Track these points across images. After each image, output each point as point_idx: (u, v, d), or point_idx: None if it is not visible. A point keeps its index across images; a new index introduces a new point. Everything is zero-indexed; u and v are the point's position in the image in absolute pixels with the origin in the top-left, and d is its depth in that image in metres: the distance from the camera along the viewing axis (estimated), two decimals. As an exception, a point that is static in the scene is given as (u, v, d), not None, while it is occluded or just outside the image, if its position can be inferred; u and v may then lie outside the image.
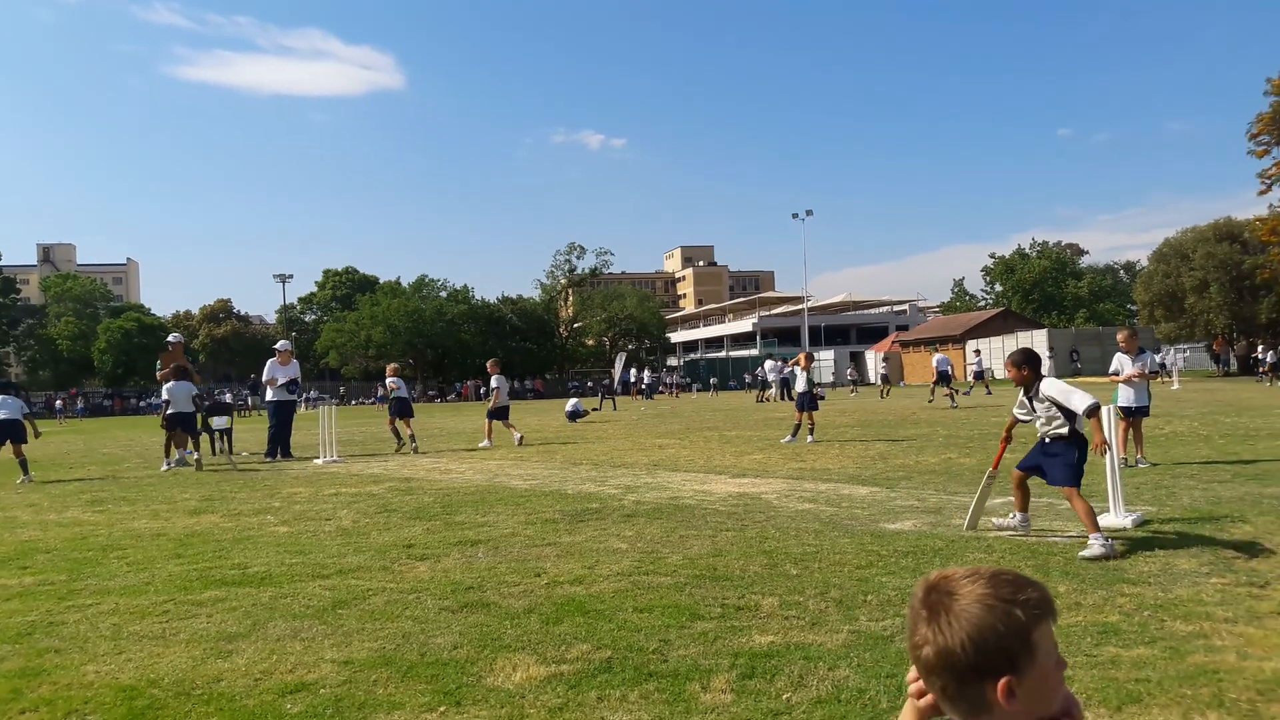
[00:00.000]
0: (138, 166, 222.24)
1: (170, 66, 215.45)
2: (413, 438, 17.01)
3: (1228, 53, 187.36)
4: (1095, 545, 5.80)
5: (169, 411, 14.58)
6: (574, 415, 26.21)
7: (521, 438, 17.79)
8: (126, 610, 5.23)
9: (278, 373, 16.19)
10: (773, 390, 39.42)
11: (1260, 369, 39.77)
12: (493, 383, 18.24)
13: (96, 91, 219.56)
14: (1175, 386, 33.94)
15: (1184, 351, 55.02)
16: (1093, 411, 6.20)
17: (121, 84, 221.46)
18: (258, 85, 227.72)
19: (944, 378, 28.32)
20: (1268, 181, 48.15)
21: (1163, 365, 37.66)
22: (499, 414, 18.13)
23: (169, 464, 14.67)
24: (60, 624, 4.99)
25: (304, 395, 66.57)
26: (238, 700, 3.73)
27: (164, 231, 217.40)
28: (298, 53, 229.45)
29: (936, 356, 29.77)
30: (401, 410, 17.51)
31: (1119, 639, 4.15)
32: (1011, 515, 6.89)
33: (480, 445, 17.50)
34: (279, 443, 16.18)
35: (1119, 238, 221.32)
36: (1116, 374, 11.17)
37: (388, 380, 17.81)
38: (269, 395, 16.48)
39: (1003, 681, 1.41)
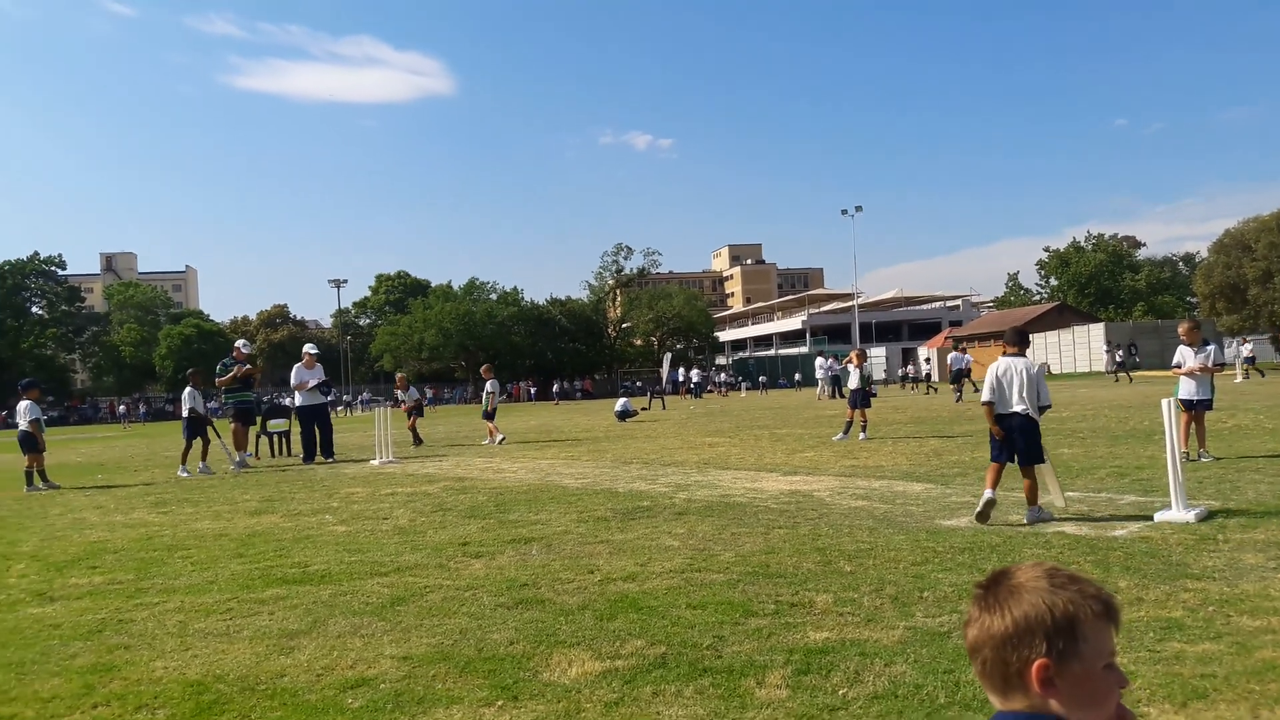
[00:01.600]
0: (195, 175, 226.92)
1: (224, 75, 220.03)
2: (495, 435, 18.86)
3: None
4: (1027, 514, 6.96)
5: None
6: (624, 415, 26.29)
7: (503, 439, 18.89)
8: (192, 608, 5.37)
9: (305, 376, 16.26)
10: (822, 389, 39.15)
11: None
12: (488, 387, 19.72)
13: (153, 102, 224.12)
14: (1239, 380, 33.05)
15: (1246, 344, 53.52)
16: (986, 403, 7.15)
17: (176, 94, 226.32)
18: (309, 92, 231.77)
19: (958, 375, 29.45)
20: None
21: (1251, 359, 36.83)
22: (492, 415, 19.49)
23: (234, 464, 15.03)
24: (129, 621, 5.14)
25: (357, 399, 67.71)
26: (300, 695, 3.81)
27: (221, 239, 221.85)
28: (349, 60, 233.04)
29: (952, 354, 30.52)
30: (490, 414, 19.32)
31: (1183, 634, 4.07)
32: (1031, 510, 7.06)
33: (484, 443, 18.72)
34: (312, 446, 16.20)
35: (1176, 228, 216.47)
36: (1179, 366, 10.94)
37: (488, 382, 19.73)
38: (298, 400, 16.56)
39: (1038, 663, 1.41)
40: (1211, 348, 11.01)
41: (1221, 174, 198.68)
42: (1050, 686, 1.45)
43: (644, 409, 33.15)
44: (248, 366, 16.31)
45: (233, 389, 16.20)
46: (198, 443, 14.56)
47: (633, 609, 4.90)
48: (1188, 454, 9.85)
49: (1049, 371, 39.51)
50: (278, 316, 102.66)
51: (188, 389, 14.95)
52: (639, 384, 74.52)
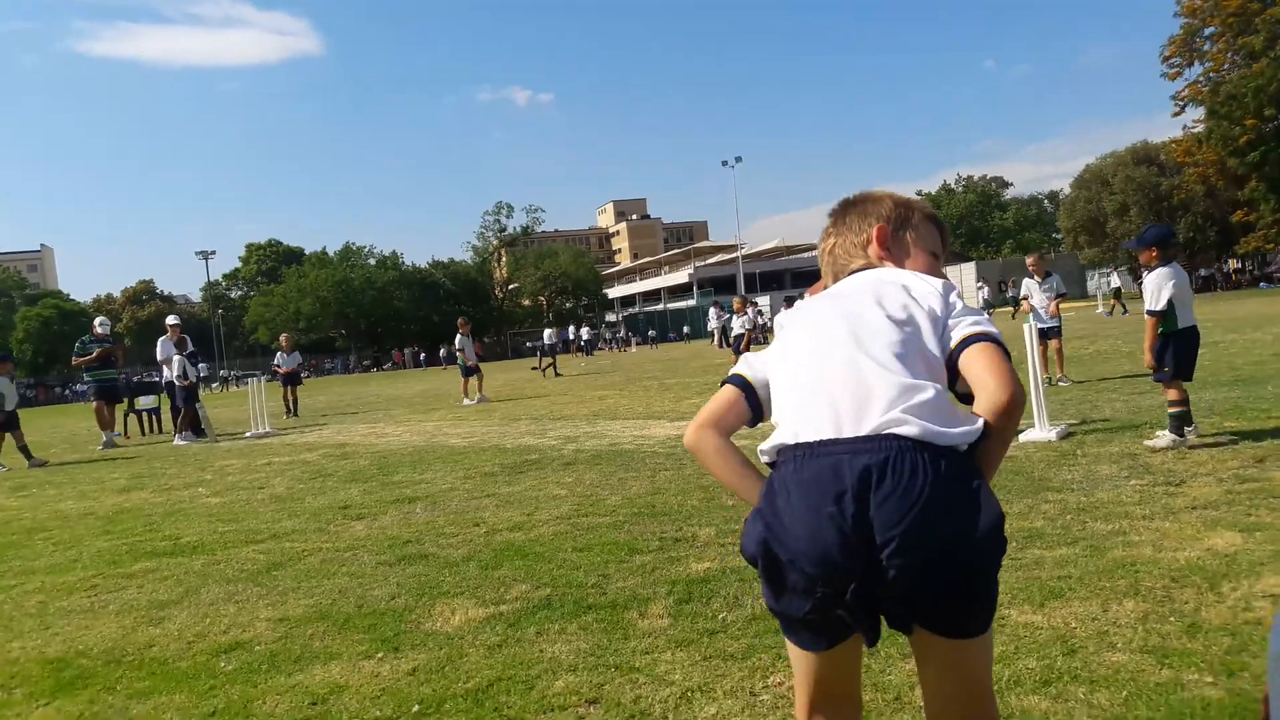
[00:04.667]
0: (44, 149, 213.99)
1: (69, 41, 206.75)
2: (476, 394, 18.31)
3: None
4: None
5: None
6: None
7: (481, 398, 18.29)
8: (53, 588, 5.10)
9: (172, 350, 15.51)
10: (716, 338, 39.64)
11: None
12: (456, 343, 19.16)
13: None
14: (1099, 311, 34.84)
15: (1107, 275, 56.47)
16: None
17: (17, 63, 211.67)
18: (166, 57, 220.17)
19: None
20: (1180, 103, 49.54)
21: (1117, 290, 38.52)
22: (470, 372, 18.67)
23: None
24: (-18, 606, 4.84)
25: (233, 374, 65.24)
26: (170, 663, 3.66)
27: (78, 215, 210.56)
28: (207, 20, 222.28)
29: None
30: (469, 371, 18.54)
31: (1043, 541, 4.28)
32: None
33: (465, 403, 17.99)
34: (189, 422, 15.45)
35: (1044, 168, 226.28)
36: (1026, 298, 11.54)
37: (457, 339, 19.10)
38: (167, 375, 15.73)
39: (878, 226, 1.89)
40: (1055, 278, 11.62)
41: (1086, 112, 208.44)
42: (885, 250, 1.86)
43: (534, 369, 32.96)
44: (109, 345, 15.51)
45: (93, 368, 15.39)
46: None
47: (518, 556, 4.88)
48: (1049, 378, 10.38)
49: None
50: (144, 293, 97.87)
51: None
52: (528, 344, 73.97)
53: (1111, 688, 2.72)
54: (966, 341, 1.64)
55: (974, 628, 1.56)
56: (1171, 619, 3.21)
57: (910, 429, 1.49)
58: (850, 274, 1.87)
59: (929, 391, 1.55)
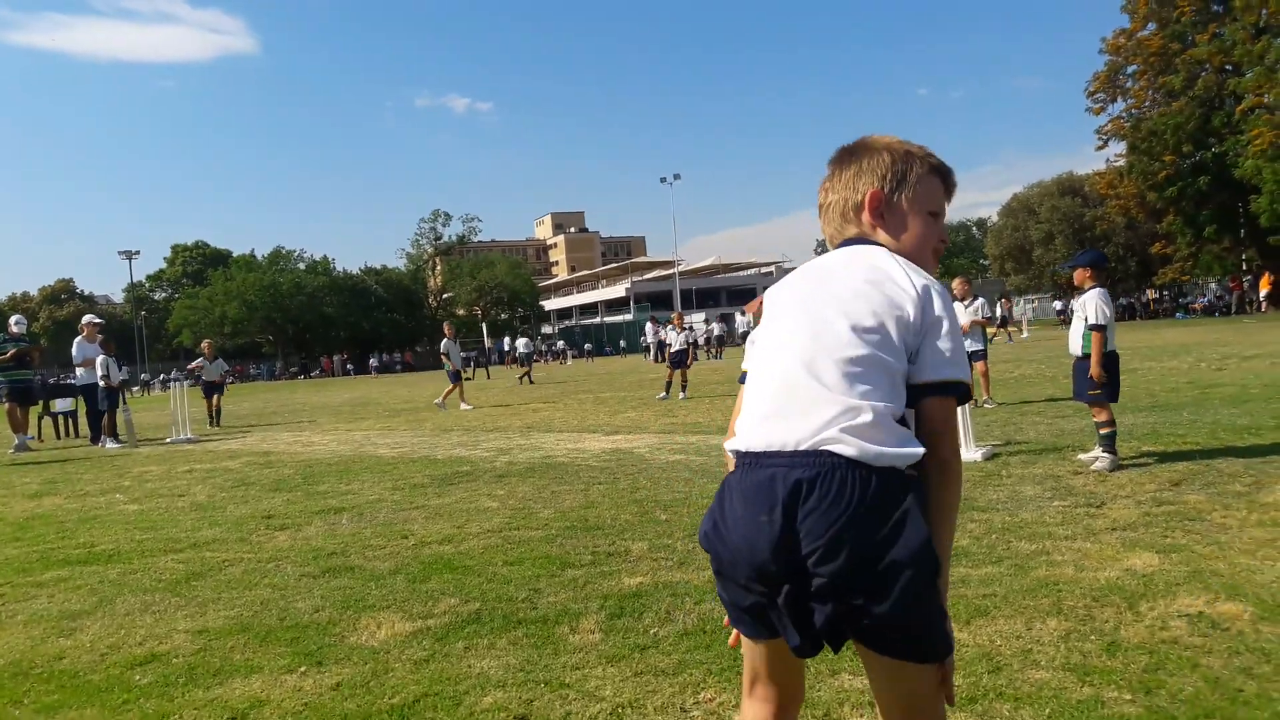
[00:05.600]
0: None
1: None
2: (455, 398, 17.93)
3: (1070, 13, 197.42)
4: None
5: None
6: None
7: (463, 405, 17.83)
8: (-45, 597, 4.86)
9: (89, 351, 14.97)
10: (650, 352, 39.80)
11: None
12: (442, 347, 18.81)
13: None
14: (1025, 335, 35.83)
15: (1033, 302, 58.21)
16: None
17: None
18: (95, 50, 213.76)
19: (745, 337, 30.55)
20: (1104, 137, 51.24)
21: (1003, 318, 39.56)
22: (457, 377, 18.26)
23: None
24: (-123, 616, 4.59)
25: (159, 377, 63.35)
26: (81, 676, 3.51)
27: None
28: (138, 15, 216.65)
29: (740, 318, 31.76)
30: (456, 376, 18.13)
31: (969, 560, 4.35)
32: None
33: (464, 408, 17.51)
34: (100, 425, 14.85)
35: (972, 195, 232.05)
36: None
37: (443, 343, 18.69)
38: (83, 376, 15.13)
39: (871, 191, 1.79)
40: (980, 301, 11.93)
41: (1015, 141, 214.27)
42: (880, 218, 1.78)
43: (468, 378, 32.66)
44: (25, 344, 14.92)
45: (7, 367, 14.79)
46: None
47: (447, 570, 4.80)
48: (975, 400, 10.61)
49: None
50: (63, 292, 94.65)
51: None
52: (464, 355, 73.16)
53: (1035, 704, 2.76)
54: (930, 389, 1.65)
55: (913, 651, 1.58)
56: (1092, 637, 3.28)
57: (845, 448, 1.55)
58: (841, 245, 1.83)
59: (867, 414, 1.57)
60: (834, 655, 2.39)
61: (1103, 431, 6.56)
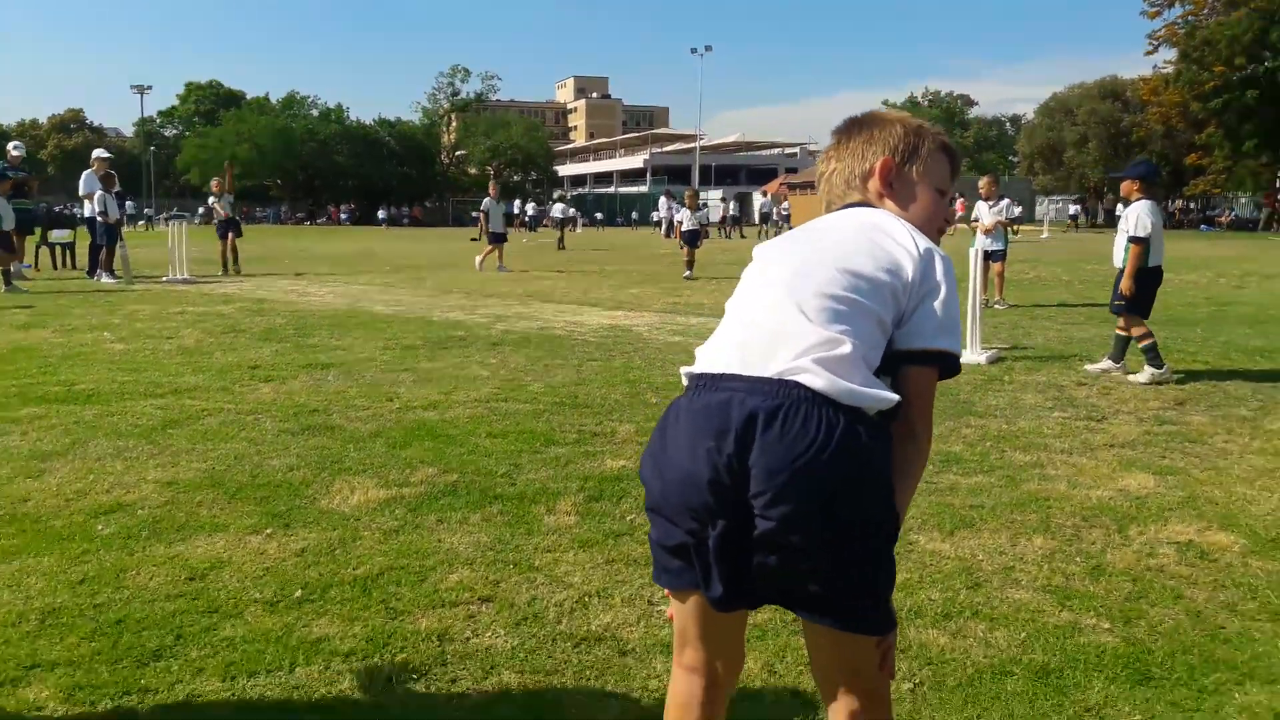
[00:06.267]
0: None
1: None
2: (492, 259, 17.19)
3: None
4: None
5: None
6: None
7: (501, 268, 17.19)
8: (-71, 427, 4.80)
9: (96, 185, 14.66)
10: (662, 227, 39.13)
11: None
12: (484, 205, 18.06)
13: None
14: (1044, 235, 35.27)
15: (1057, 204, 57.26)
16: None
17: None
18: None
19: (763, 218, 29.96)
20: (1155, 43, 49.36)
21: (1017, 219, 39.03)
22: (495, 239, 17.53)
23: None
24: None
25: (162, 214, 62.89)
26: (44, 521, 3.45)
27: (1, 32, 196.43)
28: None
29: (760, 199, 31.39)
30: (496, 238, 17.31)
31: (960, 467, 4.24)
32: None
33: (500, 270, 16.96)
34: (100, 260, 14.60)
35: (1011, 89, 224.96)
36: (976, 220, 11.47)
37: (485, 201, 17.87)
38: (89, 210, 14.85)
39: (883, 159, 1.68)
40: (1005, 201, 11.55)
41: (1060, 39, 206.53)
42: (889, 187, 1.68)
43: (474, 240, 32.32)
44: (24, 174, 14.60)
45: (6, 196, 14.51)
46: None
47: (429, 437, 4.71)
48: (987, 301, 10.40)
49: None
50: (72, 121, 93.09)
51: None
52: (473, 214, 72.40)
53: (1011, 627, 2.68)
54: (915, 357, 1.50)
55: (853, 622, 1.43)
56: (1077, 559, 3.19)
57: (814, 379, 1.37)
58: (841, 209, 1.70)
59: (846, 346, 1.40)
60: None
61: (1142, 345, 6.41)
